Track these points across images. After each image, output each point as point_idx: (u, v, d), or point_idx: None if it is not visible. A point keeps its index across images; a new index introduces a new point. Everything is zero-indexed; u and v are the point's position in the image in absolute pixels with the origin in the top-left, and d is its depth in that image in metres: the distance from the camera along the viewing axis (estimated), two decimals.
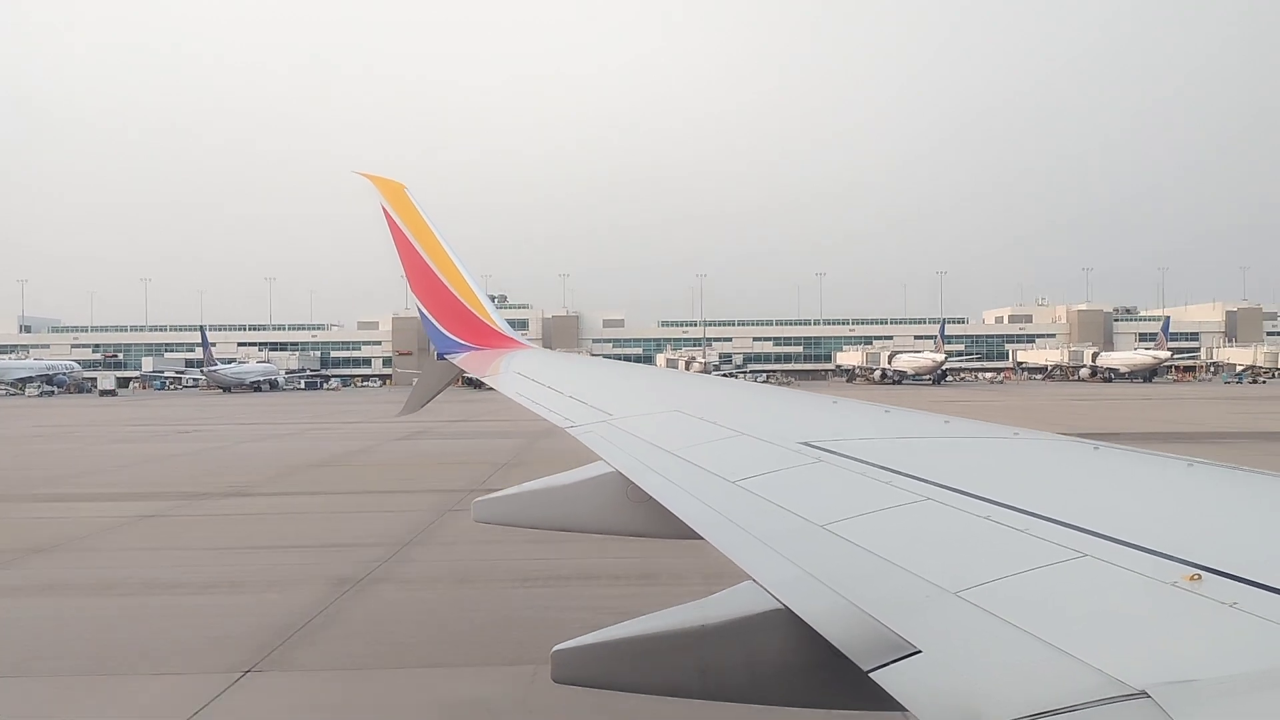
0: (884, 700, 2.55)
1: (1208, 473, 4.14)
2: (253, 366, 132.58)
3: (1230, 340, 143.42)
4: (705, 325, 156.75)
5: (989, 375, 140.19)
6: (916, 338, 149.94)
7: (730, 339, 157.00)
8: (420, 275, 14.17)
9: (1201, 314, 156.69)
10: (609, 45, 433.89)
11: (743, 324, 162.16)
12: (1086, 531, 3.21)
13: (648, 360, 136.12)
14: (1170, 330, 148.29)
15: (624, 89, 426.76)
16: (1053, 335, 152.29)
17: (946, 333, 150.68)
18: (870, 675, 2.63)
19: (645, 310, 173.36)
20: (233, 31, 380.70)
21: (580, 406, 8.20)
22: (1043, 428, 6.25)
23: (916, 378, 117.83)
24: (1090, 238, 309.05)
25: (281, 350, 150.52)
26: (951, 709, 2.39)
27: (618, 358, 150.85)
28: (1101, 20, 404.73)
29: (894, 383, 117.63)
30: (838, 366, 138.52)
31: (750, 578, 3.60)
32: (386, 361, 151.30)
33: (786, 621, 3.39)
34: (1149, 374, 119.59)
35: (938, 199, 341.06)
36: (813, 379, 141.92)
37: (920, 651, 2.65)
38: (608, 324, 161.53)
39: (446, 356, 14.06)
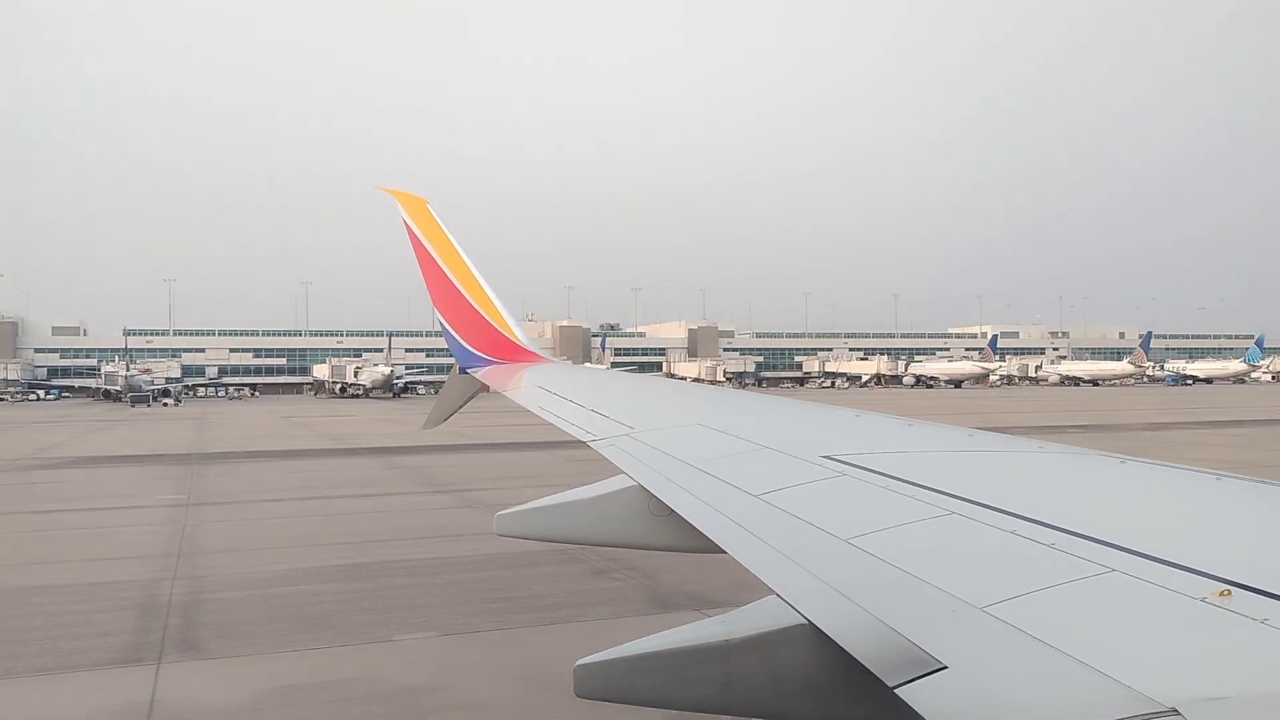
0: (910, 717, 2.50)
1: (1237, 487, 4.06)
2: None
3: (692, 356, 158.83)
4: (175, 334, 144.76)
5: None
6: (408, 350, 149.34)
7: (204, 349, 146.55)
8: (442, 289, 14.14)
9: (670, 331, 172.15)
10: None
11: (223, 334, 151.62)
12: (1114, 546, 3.16)
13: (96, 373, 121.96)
14: (645, 346, 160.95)
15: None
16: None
17: (439, 346, 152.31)
18: (896, 691, 2.60)
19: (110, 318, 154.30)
20: None
21: (602, 420, 8.00)
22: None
23: (372, 391, 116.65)
24: (575, 260, 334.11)
25: None
26: None
27: (67, 370, 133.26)
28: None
29: (353, 396, 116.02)
30: (314, 379, 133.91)
31: (774, 592, 3.59)
32: None
33: (811, 636, 3.39)
34: None
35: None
36: (283, 392, 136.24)
37: (947, 668, 2.62)
38: (58, 331, 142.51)
39: (469, 371, 13.91)
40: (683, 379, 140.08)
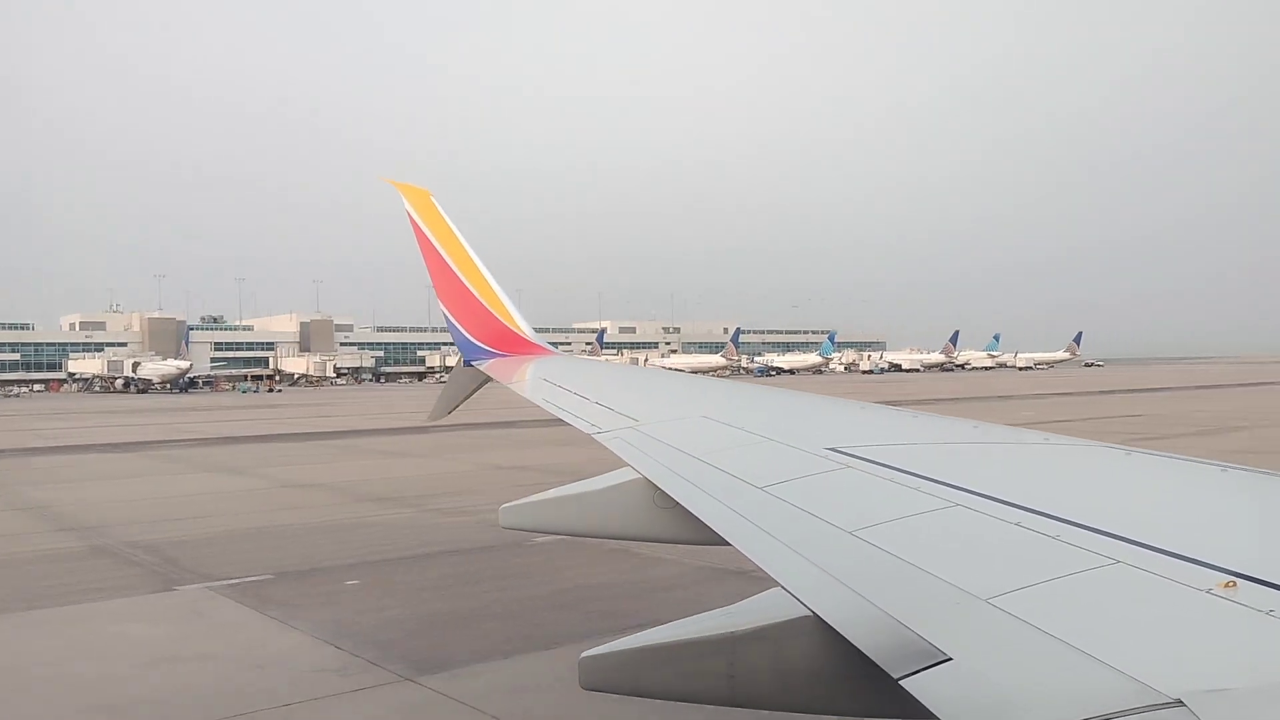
0: (915, 708, 2.50)
1: (1243, 479, 4.05)
2: None
3: (304, 350, 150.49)
4: None
5: (33, 388, 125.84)
6: None
7: None
8: (446, 282, 14.17)
9: (280, 325, 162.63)
10: None
11: None
12: (1119, 538, 3.16)
13: None
14: (252, 340, 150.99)
15: None
16: (125, 344, 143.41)
17: (4, 341, 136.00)
18: (900, 683, 2.60)
19: None
20: None
21: (606, 412, 8.00)
22: None
23: None
24: (166, 247, 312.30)
25: None
26: (984, 718, 2.37)
27: None
28: None
29: None
30: None
31: (779, 584, 3.58)
32: None
33: (815, 628, 3.39)
34: (187, 383, 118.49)
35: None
36: None
37: (951, 659, 2.61)
38: None
39: (473, 363, 13.82)
40: (291, 375, 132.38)
